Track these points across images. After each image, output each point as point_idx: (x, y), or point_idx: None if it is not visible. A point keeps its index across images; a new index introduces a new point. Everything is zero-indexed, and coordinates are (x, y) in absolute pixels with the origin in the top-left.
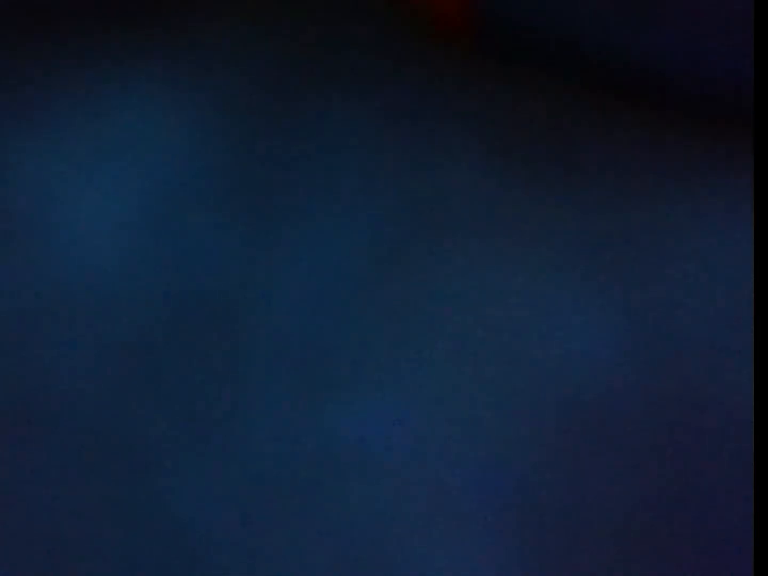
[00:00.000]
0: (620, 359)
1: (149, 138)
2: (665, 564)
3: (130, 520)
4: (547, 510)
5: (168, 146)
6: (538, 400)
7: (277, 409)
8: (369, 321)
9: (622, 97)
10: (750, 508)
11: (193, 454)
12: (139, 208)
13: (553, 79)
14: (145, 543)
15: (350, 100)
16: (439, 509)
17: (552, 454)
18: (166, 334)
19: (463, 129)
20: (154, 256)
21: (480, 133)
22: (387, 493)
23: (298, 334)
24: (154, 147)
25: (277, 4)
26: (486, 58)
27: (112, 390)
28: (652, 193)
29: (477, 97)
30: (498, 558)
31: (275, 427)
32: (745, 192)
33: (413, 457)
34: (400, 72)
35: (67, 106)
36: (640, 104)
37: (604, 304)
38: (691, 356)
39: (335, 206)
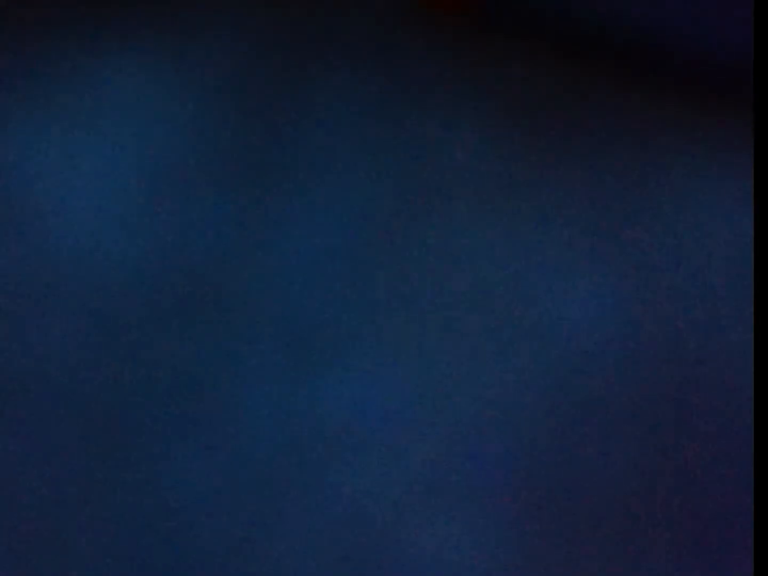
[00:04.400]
0: (622, 331)
1: (144, 117)
2: (664, 537)
3: (118, 497)
4: (546, 483)
5: (163, 125)
6: (538, 372)
7: (270, 384)
8: (363, 297)
9: (622, 70)
10: (750, 482)
11: (184, 431)
12: (132, 187)
13: (553, 54)
14: (133, 521)
15: (346, 76)
16: (434, 485)
17: (552, 427)
18: (159, 310)
19: (460, 103)
20: (148, 234)
21: (478, 107)
22: (380, 469)
23: (291, 310)
24: (148, 126)
25: None
26: (484, 33)
27: (103, 366)
28: (652, 164)
29: (475, 71)
30: (494, 533)
31: (267, 403)
32: (745, 164)
33: (407, 433)
34: (396, 48)
35: (62, 84)
36: (640, 77)
37: (604, 278)
38: (693, 329)
39: (330, 183)
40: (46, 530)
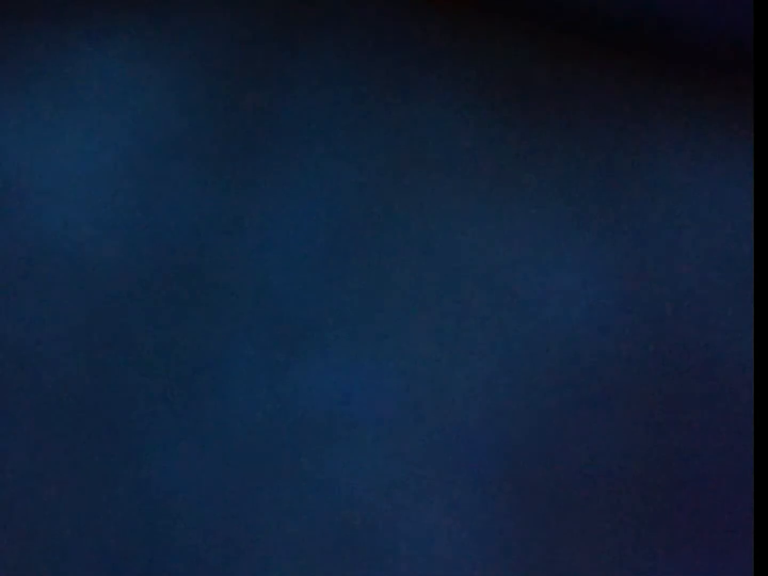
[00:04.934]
0: (615, 322)
1: (124, 102)
2: (657, 528)
3: (103, 490)
4: (536, 470)
5: (143, 110)
6: (526, 361)
7: (253, 374)
8: (347, 284)
9: (619, 56)
10: (748, 478)
11: (168, 423)
12: (112, 174)
13: (547, 39)
14: (120, 513)
15: (332, 61)
16: (420, 474)
17: (542, 414)
18: (139, 300)
19: (447, 89)
20: (128, 223)
21: (465, 92)
22: (366, 459)
23: (274, 298)
24: (129, 111)
25: None
26: (476, 16)
27: (86, 353)
28: (648, 152)
29: (464, 56)
30: (483, 521)
31: (251, 393)
32: (744, 151)
33: (392, 423)
34: (384, 32)
35: (42, 70)
36: (638, 63)
37: (597, 269)
38: (689, 322)
39: (313, 170)
40: (31, 524)
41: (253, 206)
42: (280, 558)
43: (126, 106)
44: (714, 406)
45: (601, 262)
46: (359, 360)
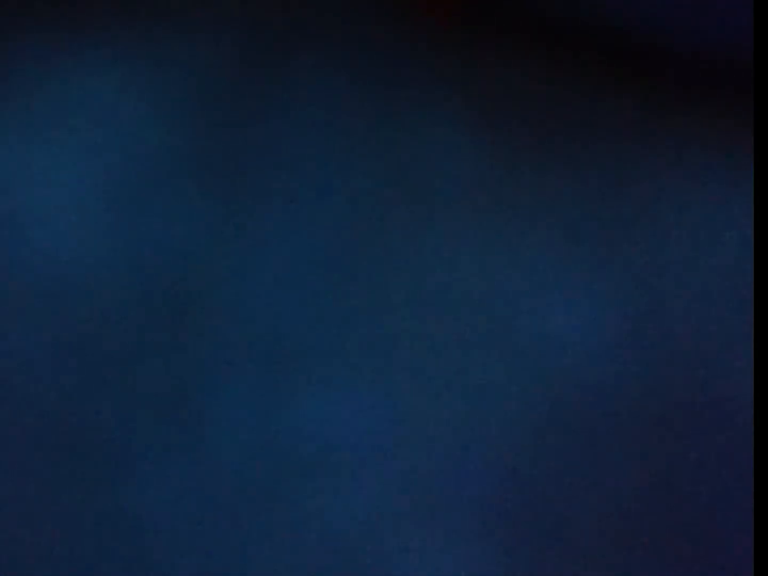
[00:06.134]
0: (614, 343)
1: (119, 118)
2: (658, 554)
3: (87, 513)
4: (527, 505)
5: (131, 123)
6: (522, 389)
7: (244, 401)
8: (343, 309)
9: (616, 70)
10: (749, 505)
11: (154, 450)
12: (100, 191)
13: (543, 53)
14: (100, 541)
15: (328, 75)
16: (414, 502)
17: (535, 445)
18: (129, 323)
19: (445, 105)
20: (121, 241)
21: (463, 107)
22: (359, 488)
23: (268, 323)
24: (117, 124)
25: None
26: (471, 27)
27: (69, 375)
28: (647, 168)
29: (461, 69)
30: (474, 554)
31: (242, 420)
32: (745, 166)
33: (386, 451)
34: (379, 46)
35: (36, 84)
36: (635, 73)
37: (595, 287)
38: (690, 344)
39: (310, 189)
40: (3, 548)
41: (244, 228)
42: None
43: (113, 123)
44: (715, 435)
45: (601, 289)
46: (352, 389)
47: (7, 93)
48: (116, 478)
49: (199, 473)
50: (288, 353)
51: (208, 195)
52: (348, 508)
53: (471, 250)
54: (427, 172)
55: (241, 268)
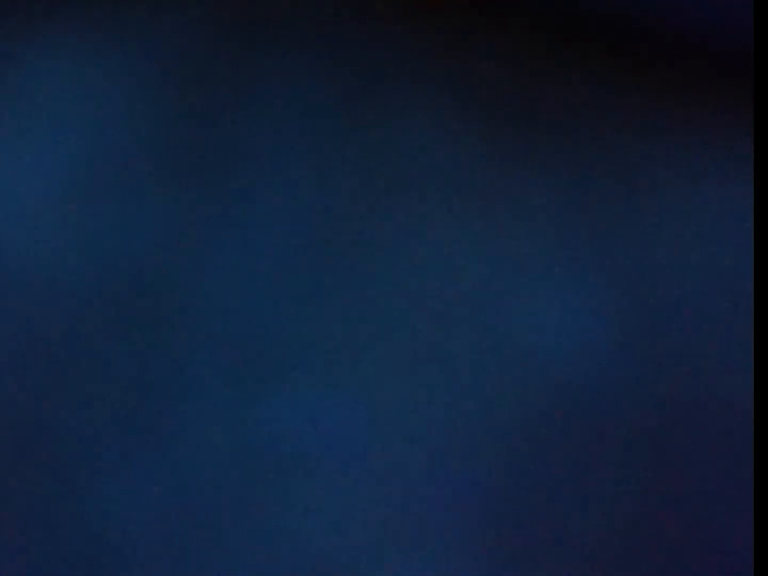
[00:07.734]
0: (608, 348)
1: (80, 109)
2: (657, 556)
3: (53, 518)
4: (518, 507)
5: (101, 118)
6: (509, 394)
7: (215, 403)
8: (316, 308)
9: (615, 64)
10: (749, 505)
11: (121, 455)
12: (66, 184)
13: (539, 45)
14: (65, 552)
15: (303, 66)
16: (389, 509)
17: (523, 450)
18: (94, 322)
19: (432, 97)
20: (83, 237)
21: (453, 99)
22: (332, 495)
23: (239, 323)
24: (86, 119)
25: None
26: (464, 18)
27: (37, 376)
28: (644, 164)
29: (451, 62)
30: (463, 562)
31: (213, 423)
32: (745, 161)
33: (361, 456)
34: (361, 37)
35: None
36: (633, 69)
37: (589, 288)
38: (684, 342)
39: (282, 182)
40: None
41: (216, 226)
42: None
43: (82, 118)
44: (714, 435)
45: (595, 287)
46: (328, 391)
47: None
48: (81, 485)
49: (169, 478)
50: (261, 354)
51: (181, 189)
52: (323, 513)
53: (459, 248)
54: (414, 167)
55: (214, 265)
